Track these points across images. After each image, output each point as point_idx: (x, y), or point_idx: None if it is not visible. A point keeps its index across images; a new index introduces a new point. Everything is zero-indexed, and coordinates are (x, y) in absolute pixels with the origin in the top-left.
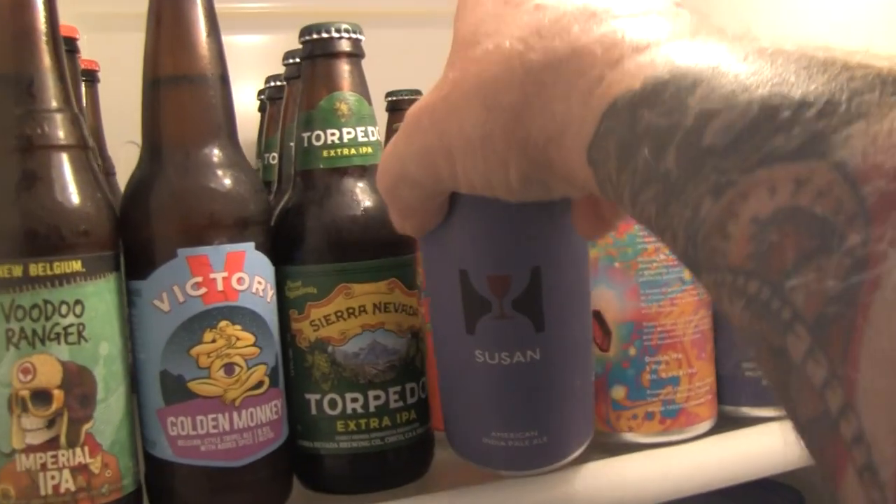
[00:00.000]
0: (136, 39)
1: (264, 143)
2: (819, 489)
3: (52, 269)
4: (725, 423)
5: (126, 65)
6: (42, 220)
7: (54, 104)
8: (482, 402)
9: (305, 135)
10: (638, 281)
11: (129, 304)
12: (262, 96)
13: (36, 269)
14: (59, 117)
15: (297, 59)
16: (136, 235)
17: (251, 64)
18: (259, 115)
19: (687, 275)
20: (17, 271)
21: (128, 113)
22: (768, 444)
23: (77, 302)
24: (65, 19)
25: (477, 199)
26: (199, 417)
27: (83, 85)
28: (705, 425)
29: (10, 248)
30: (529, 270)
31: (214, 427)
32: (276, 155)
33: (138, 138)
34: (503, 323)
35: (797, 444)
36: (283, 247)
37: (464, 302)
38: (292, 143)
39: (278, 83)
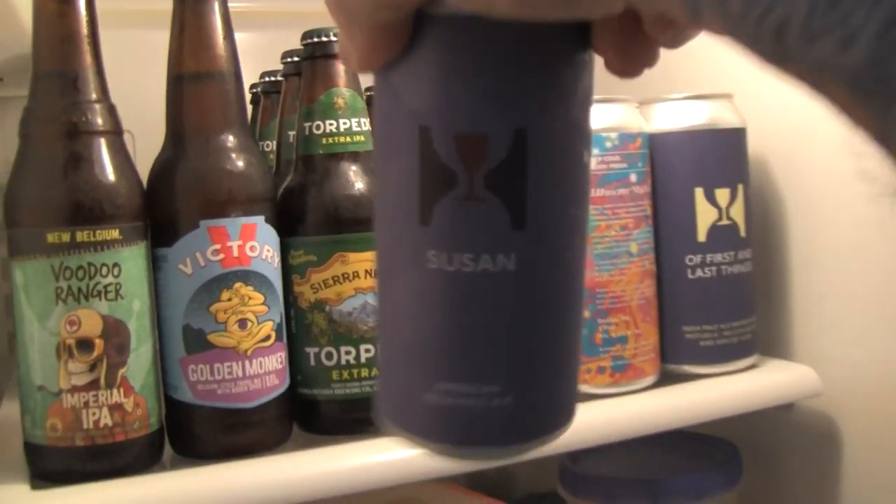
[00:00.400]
0: (126, 36)
1: (258, 132)
2: (752, 442)
3: (94, 236)
4: (667, 378)
5: (119, 60)
6: (87, 195)
7: (94, 96)
8: (426, 333)
9: (307, 125)
10: (592, 253)
11: (155, 268)
12: (256, 90)
13: (81, 235)
14: (98, 107)
15: (296, 58)
16: (163, 209)
17: (242, 60)
18: (251, 106)
19: (634, 248)
20: (66, 237)
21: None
22: (704, 397)
23: (115, 264)
24: None
25: (452, 19)
26: (216, 365)
27: None
28: (649, 379)
29: (59, 218)
30: (513, 132)
31: (229, 373)
32: (269, 143)
33: (130, 126)
34: (471, 207)
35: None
36: (287, 221)
37: (421, 174)
38: (290, 132)
39: (273, 78)
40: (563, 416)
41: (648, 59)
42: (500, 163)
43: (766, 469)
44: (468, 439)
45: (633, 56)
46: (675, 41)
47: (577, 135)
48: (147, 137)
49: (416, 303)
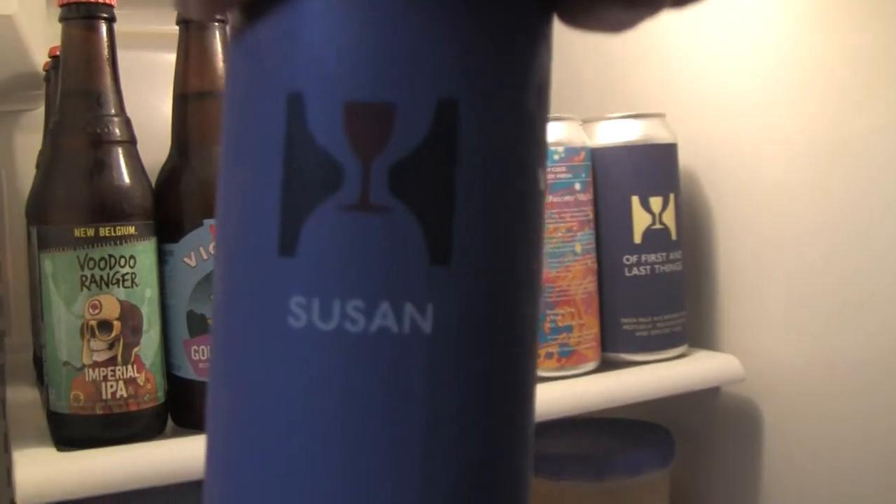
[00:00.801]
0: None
1: None
2: (683, 426)
3: (115, 231)
4: (607, 365)
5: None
6: (109, 196)
7: (113, 111)
8: (283, 443)
9: None
10: None
11: (162, 261)
12: None
13: (104, 231)
14: (117, 120)
15: None
16: (170, 210)
17: None
18: None
19: (578, 248)
20: (90, 233)
21: None
22: (639, 381)
23: (131, 256)
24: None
25: None
26: None
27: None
28: (591, 365)
29: (85, 216)
30: (434, 103)
31: None
32: None
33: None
34: (363, 222)
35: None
36: None
37: (285, 170)
38: None
39: None
40: None
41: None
42: (414, 151)
43: (696, 450)
44: None
45: None
46: None
47: (531, 135)
48: (144, 146)
49: (269, 386)
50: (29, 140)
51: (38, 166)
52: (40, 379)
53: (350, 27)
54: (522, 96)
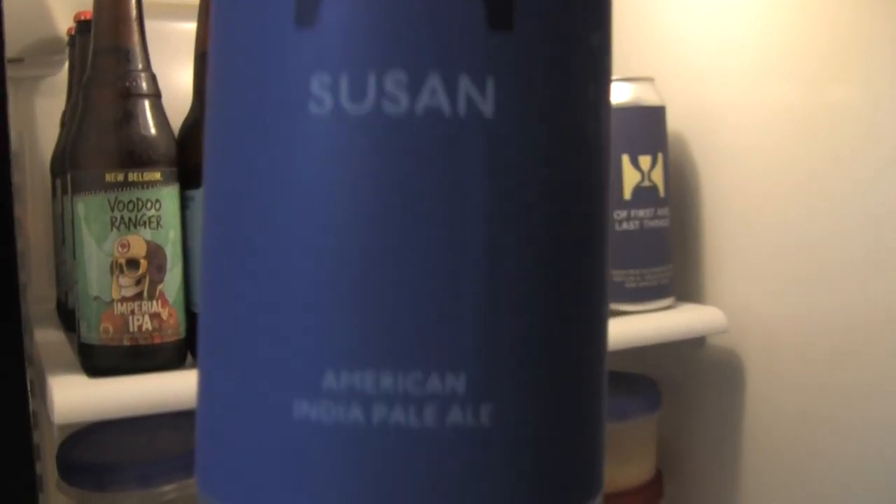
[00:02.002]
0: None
1: None
2: (669, 377)
3: (142, 177)
4: None
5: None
6: (137, 144)
7: (140, 66)
8: (310, 250)
9: None
10: None
11: (183, 207)
12: None
13: (132, 176)
14: (144, 75)
15: None
16: (192, 159)
17: None
18: None
19: None
20: (120, 177)
21: None
22: (629, 329)
23: (157, 200)
24: None
25: None
26: None
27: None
28: None
29: (115, 162)
30: None
31: None
32: None
33: None
34: None
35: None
36: None
37: None
38: None
39: None
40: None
41: None
42: None
43: (681, 400)
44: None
45: None
46: None
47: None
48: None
49: (287, 191)
50: (49, 104)
51: (62, 124)
52: (65, 324)
53: None
54: None
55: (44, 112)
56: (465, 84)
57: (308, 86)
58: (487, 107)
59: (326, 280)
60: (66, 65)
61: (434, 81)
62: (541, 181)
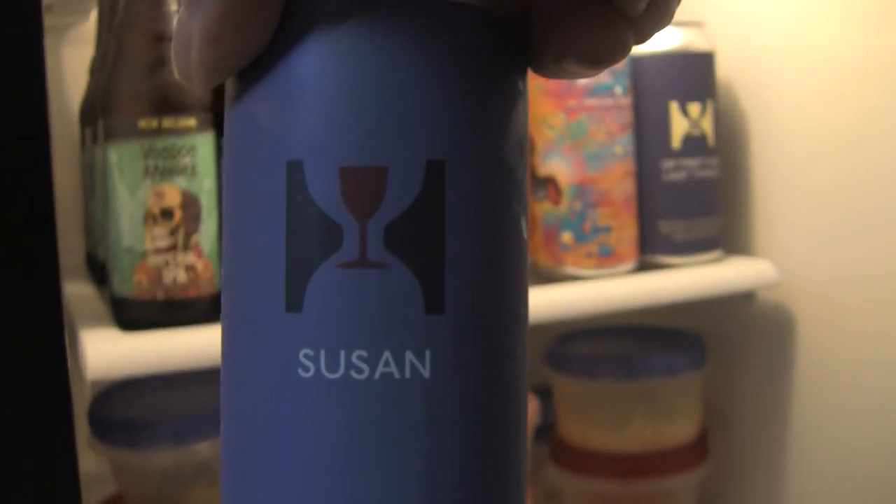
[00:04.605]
0: None
1: None
2: (715, 333)
3: (177, 123)
4: (644, 267)
5: None
6: (171, 89)
7: (174, 8)
8: (297, 480)
9: None
10: (583, 154)
11: (219, 155)
12: None
13: (167, 122)
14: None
15: None
16: None
17: None
18: None
19: (618, 150)
20: (154, 124)
21: None
22: (676, 282)
23: (192, 147)
24: None
25: (337, 4)
26: None
27: None
28: (629, 265)
29: (149, 108)
30: (424, 165)
31: None
32: None
33: None
34: (362, 278)
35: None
36: None
37: (289, 233)
38: None
39: None
40: None
41: (619, 38)
42: (407, 210)
43: (728, 356)
44: None
45: (598, 32)
46: (653, 13)
47: (513, 187)
48: None
49: (281, 432)
50: (75, 53)
51: (91, 72)
52: (94, 277)
53: (340, 98)
54: (504, 151)
55: (71, 61)
56: (409, 356)
57: (297, 356)
58: (425, 370)
59: (308, 490)
60: (94, 12)
61: (386, 355)
62: (469, 420)
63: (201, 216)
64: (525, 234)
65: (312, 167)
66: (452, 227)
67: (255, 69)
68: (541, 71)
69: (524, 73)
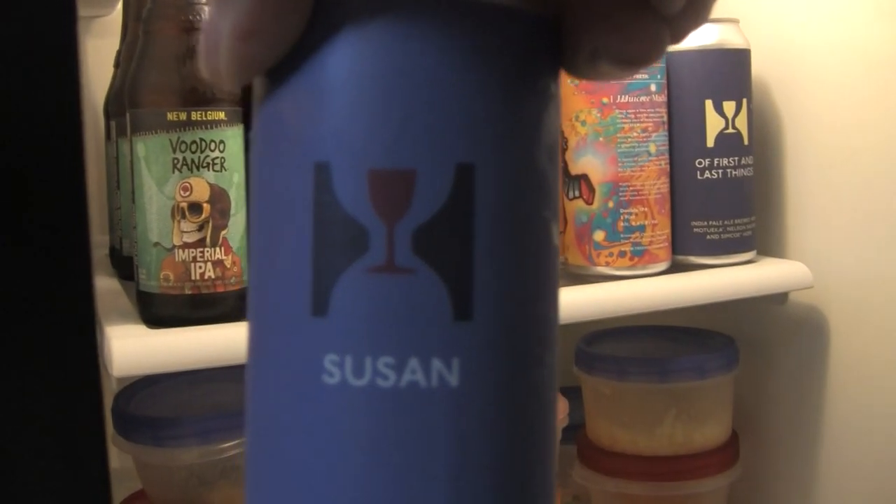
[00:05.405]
0: None
1: None
2: (748, 335)
3: (206, 116)
4: (677, 267)
5: None
6: (199, 81)
7: None
8: (323, 487)
9: None
10: (617, 151)
11: (248, 149)
12: None
13: (195, 115)
14: (207, 8)
15: None
16: None
17: None
18: None
19: (652, 149)
20: (182, 116)
21: None
22: (709, 283)
23: (221, 141)
24: None
25: (367, 1)
26: None
27: None
28: (662, 265)
29: (178, 100)
30: (453, 168)
31: None
32: None
33: None
34: (390, 283)
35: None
36: None
37: (315, 235)
38: None
39: None
40: None
41: (655, 37)
42: (435, 214)
43: (760, 358)
44: None
45: (634, 31)
46: (690, 12)
47: (544, 192)
48: None
49: (304, 438)
50: (101, 45)
51: (116, 65)
52: (118, 272)
53: (369, 98)
54: (535, 155)
55: (96, 53)
56: (436, 363)
57: (322, 362)
58: (453, 379)
59: (332, 499)
60: (120, 4)
61: (413, 363)
62: (497, 431)
63: (230, 211)
64: (555, 241)
65: (340, 169)
66: (481, 232)
67: (282, 67)
68: (573, 71)
69: (557, 75)
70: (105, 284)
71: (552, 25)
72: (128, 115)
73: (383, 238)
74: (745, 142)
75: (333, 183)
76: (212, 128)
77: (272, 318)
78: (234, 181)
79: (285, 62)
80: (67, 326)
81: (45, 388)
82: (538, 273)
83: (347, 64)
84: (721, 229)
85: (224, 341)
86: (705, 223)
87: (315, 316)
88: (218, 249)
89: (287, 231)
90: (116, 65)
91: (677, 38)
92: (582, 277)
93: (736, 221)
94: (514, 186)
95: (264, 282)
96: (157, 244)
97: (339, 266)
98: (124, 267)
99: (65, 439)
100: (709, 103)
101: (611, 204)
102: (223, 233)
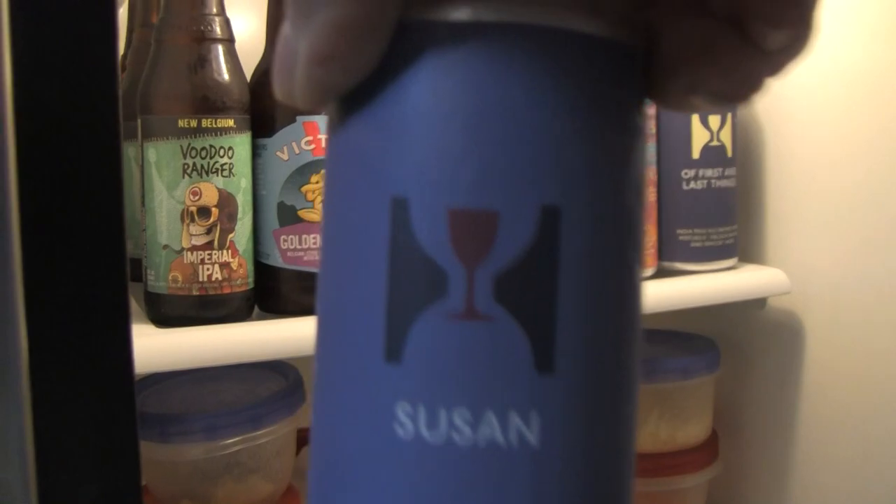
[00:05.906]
0: None
1: None
2: (729, 339)
3: (215, 123)
4: (662, 273)
5: None
6: (210, 89)
7: (215, 10)
8: None
9: None
10: None
11: (255, 155)
12: None
13: (205, 122)
14: (218, 19)
15: None
16: (264, 106)
17: None
18: None
19: None
20: (193, 123)
21: None
22: (693, 288)
23: (230, 147)
24: None
25: (460, 28)
26: (304, 236)
27: None
28: (648, 272)
29: (188, 107)
30: (539, 210)
31: (314, 243)
32: None
33: None
34: (469, 330)
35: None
36: None
37: (391, 275)
38: None
39: None
40: None
41: (754, 74)
42: (518, 259)
43: (740, 361)
44: None
45: (734, 67)
46: (789, 46)
47: (631, 233)
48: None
49: (374, 492)
50: None
51: (122, 69)
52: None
53: (452, 131)
54: (623, 195)
55: None
56: (514, 419)
57: (394, 410)
58: (533, 437)
59: None
60: (123, 9)
61: (490, 416)
62: (580, 489)
63: (237, 215)
64: (639, 282)
65: (419, 206)
66: (566, 278)
67: (360, 93)
68: (663, 103)
69: (643, 107)
70: None
71: (641, 55)
72: (139, 122)
73: (463, 282)
74: (729, 154)
75: (412, 220)
76: (221, 135)
77: (342, 360)
78: (241, 186)
79: (363, 87)
80: (104, 325)
81: (84, 383)
82: (624, 321)
83: (429, 94)
84: (705, 237)
85: (230, 340)
86: (690, 231)
87: (388, 361)
88: (225, 252)
89: (360, 269)
90: (122, 69)
91: (776, 73)
92: None
93: (719, 230)
94: (601, 230)
95: (335, 320)
96: (166, 246)
97: (416, 309)
98: (133, 268)
99: (101, 431)
100: (695, 117)
101: None
102: (230, 236)
